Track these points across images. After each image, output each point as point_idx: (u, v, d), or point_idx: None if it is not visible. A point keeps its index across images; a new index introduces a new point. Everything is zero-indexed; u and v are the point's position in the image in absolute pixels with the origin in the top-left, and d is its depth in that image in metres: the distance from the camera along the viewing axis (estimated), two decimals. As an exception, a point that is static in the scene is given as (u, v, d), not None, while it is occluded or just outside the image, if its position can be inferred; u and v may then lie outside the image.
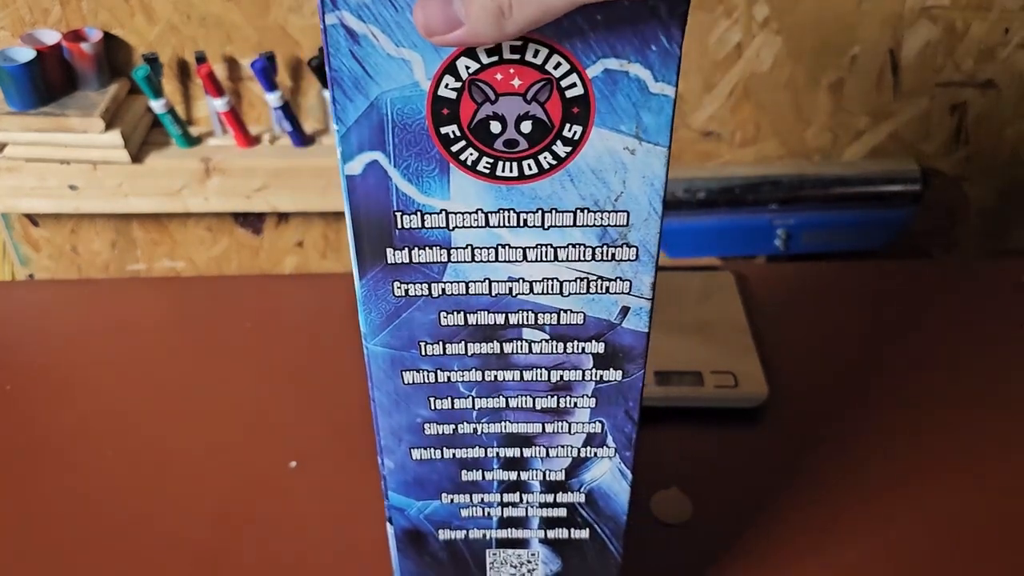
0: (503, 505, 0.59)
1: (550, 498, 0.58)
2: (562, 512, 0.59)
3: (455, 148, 0.43)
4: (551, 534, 0.60)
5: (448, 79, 0.41)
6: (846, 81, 1.01)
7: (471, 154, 0.43)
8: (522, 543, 0.61)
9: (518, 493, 0.58)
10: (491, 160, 0.43)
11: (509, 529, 0.60)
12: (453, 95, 0.42)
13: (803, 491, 0.82)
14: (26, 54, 0.93)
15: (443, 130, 0.42)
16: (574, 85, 0.41)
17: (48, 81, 0.96)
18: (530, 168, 0.44)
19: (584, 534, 0.60)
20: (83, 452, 0.87)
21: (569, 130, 0.43)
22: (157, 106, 0.98)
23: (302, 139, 1.01)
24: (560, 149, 0.43)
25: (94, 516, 0.81)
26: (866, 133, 1.05)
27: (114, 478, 0.84)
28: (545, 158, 0.43)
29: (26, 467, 0.85)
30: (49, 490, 0.83)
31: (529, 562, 0.62)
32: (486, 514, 0.59)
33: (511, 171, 0.44)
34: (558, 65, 0.41)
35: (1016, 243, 1.14)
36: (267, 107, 1.01)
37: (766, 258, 1.11)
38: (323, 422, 0.89)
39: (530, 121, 0.42)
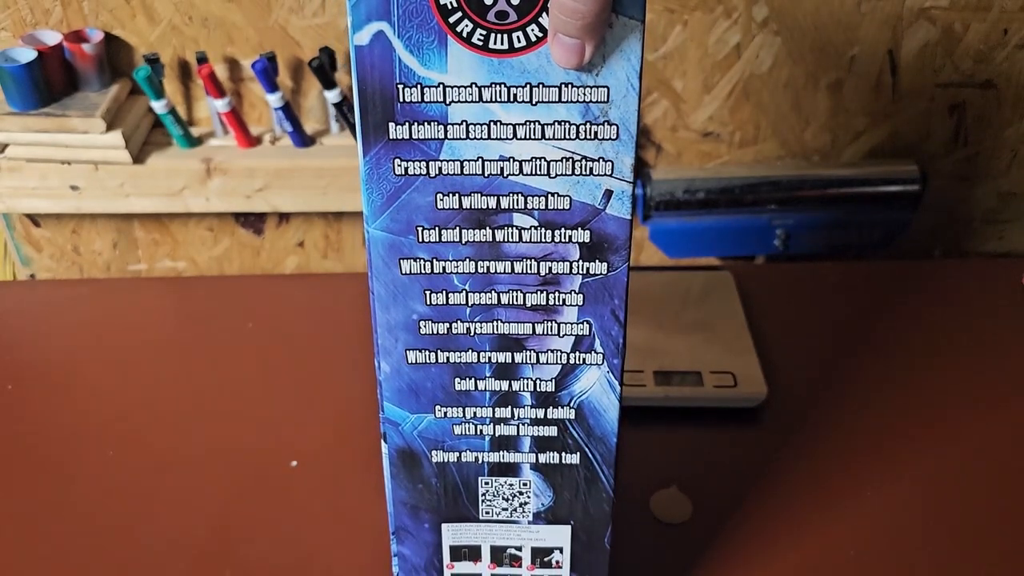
0: (495, 422, 0.65)
1: (540, 413, 0.64)
2: (552, 431, 0.65)
3: (452, 19, 0.52)
4: (542, 458, 0.66)
5: None
6: (845, 81, 1.06)
7: (466, 25, 0.52)
8: (514, 469, 0.67)
9: (509, 407, 0.64)
10: (484, 32, 0.52)
11: (501, 452, 0.66)
12: None
13: (803, 491, 0.87)
14: (27, 55, 0.98)
15: (442, 0, 0.51)
16: None
17: (49, 82, 1.01)
18: (519, 40, 0.52)
19: (575, 459, 0.66)
20: (83, 452, 0.91)
21: None
22: (158, 107, 1.03)
23: (303, 140, 1.06)
24: (546, 20, 0.51)
25: (94, 516, 0.86)
26: (865, 133, 1.10)
27: (115, 478, 0.89)
28: (532, 30, 0.52)
29: (26, 467, 0.90)
30: (50, 490, 0.88)
31: (521, 493, 0.68)
32: (478, 432, 0.65)
33: (502, 43, 0.52)
34: None
35: (1016, 244, 1.18)
36: (268, 108, 1.07)
37: (766, 258, 1.16)
38: (323, 422, 0.94)
39: None
